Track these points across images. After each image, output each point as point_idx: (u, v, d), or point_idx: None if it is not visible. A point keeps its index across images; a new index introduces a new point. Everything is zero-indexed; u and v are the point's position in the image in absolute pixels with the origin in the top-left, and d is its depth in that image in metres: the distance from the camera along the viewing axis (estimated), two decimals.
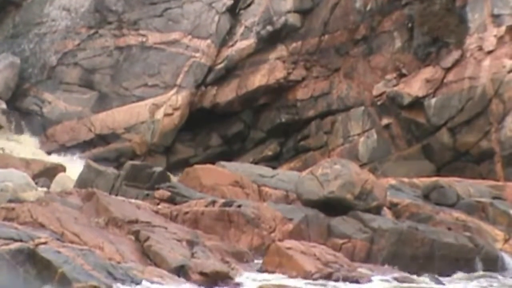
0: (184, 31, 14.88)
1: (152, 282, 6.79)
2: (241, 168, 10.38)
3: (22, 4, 15.63)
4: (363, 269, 8.11)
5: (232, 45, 14.78)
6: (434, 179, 11.18)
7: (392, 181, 10.77)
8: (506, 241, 9.39)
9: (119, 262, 6.93)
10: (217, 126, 14.93)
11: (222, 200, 9.00)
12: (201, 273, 7.29)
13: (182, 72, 14.74)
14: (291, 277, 7.58)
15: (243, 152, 14.74)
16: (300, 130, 14.59)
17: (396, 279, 8.06)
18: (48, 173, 11.42)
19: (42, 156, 13.56)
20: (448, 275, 8.46)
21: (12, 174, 9.14)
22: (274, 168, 11.89)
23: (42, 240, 6.65)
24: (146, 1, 15.14)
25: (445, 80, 13.63)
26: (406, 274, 8.26)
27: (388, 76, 14.19)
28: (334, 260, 7.92)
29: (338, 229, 8.63)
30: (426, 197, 10.23)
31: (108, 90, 14.89)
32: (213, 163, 10.77)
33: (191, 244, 7.83)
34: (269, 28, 14.74)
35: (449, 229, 9.25)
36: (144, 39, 14.98)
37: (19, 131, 14.53)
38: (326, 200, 8.95)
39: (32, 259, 6.38)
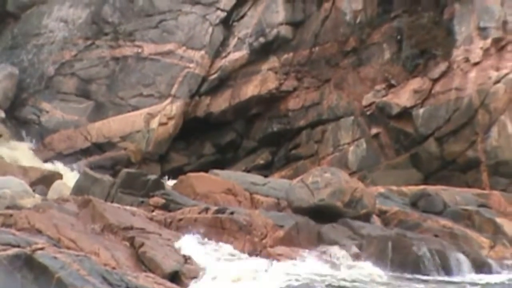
0: (179, 42, 14.97)
1: None
2: (233, 176, 10.45)
3: (20, 16, 15.71)
4: None
5: (226, 56, 14.89)
6: (421, 187, 11.27)
7: (381, 189, 10.84)
8: (491, 248, 9.47)
9: (114, 268, 6.94)
10: (210, 135, 15.01)
11: (215, 207, 9.04)
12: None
13: (177, 82, 14.86)
14: None
15: (235, 160, 14.81)
16: (291, 139, 14.69)
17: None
18: (45, 180, 11.49)
19: (39, 164, 13.69)
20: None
21: (10, 181, 9.24)
22: (265, 176, 11.96)
23: (39, 246, 6.71)
24: (142, 13, 15.23)
25: (432, 91, 13.75)
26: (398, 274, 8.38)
27: (377, 87, 14.33)
28: None
29: (328, 236, 8.68)
30: (414, 205, 10.33)
31: (104, 100, 14.98)
32: (206, 171, 10.83)
33: None
34: (262, 39, 14.89)
35: (436, 236, 9.30)
36: (139, 50, 15.06)
37: (17, 139, 14.65)
38: (316, 207, 9.05)
39: (29, 265, 6.45)
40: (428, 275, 8.53)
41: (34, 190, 9.84)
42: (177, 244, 7.79)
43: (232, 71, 14.90)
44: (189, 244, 7.87)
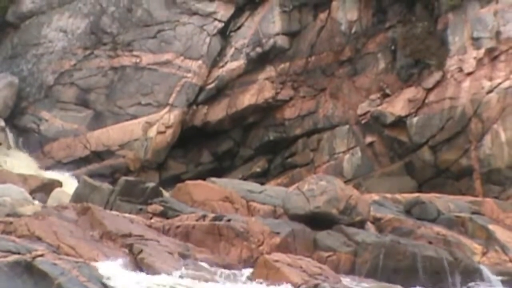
0: (176, 52, 15.06)
1: None
2: (230, 184, 10.51)
3: (20, 26, 15.80)
4: (348, 281, 8.34)
5: (223, 66, 14.99)
6: (415, 195, 11.36)
7: (376, 197, 10.91)
8: (484, 254, 9.61)
9: None
10: (208, 144, 15.09)
11: (213, 215, 9.16)
12: None
13: (174, 92, 14.97)
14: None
15: (232, 168, 14.88)
16: (287, 148, 14.79)
17: None
18: (45, 188, 11.58)
19: (39, 172, 13.79)
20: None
21: (10, 189, 9.30)
22: (262, 184, 12.00)
23: (39, 253, 6.79)
24: (140, 23, 15.32)
25: (426, 100, 13.89)
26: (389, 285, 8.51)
27: (372, 96, 14.47)
28: (319, 272, 8.02)
29: (323, 243, 8.80)
30: (408, 212, 10.38)
31: (103, 109, 15.08)
32: (204, 179, 10.91)
33: (182, 256, 8.04)
34: (258, 49, 14.99)
35: (430, 243, 9.37)
36: (137, 60, 15.16)
37: (17, 148, 14.76)
38: (312, 214, 9.14)
39: (29, 271, 6.53)
40: (421, 281, 8.66)
41: (34, 198, 9.92)
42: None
43: (229, 81, 15.01)
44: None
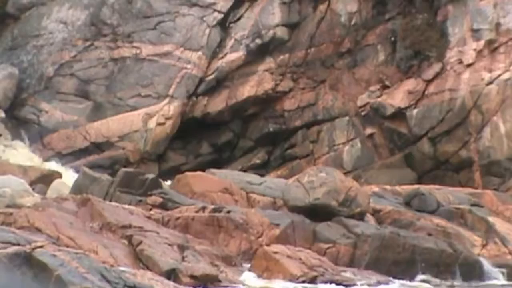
0: (176, 44, 15.07)
1: (144, 285, 7.02)
2: (230, 176, 10.53)
3: (20, 17, 15.78)
4: (347, 273, 8.36)
5: (222, 57, 15.00)
6: (415, 186, 11.37)
7: (375, 189, 10.92)
8: (483, 246, 9.62)
9: (112, 266, 7.04)
10: (207, 135, 15.11)
11: (212, 206, 9.15)
12: (191, 276, 7.51)
13: (174, 83, 14.99)
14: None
15: (232, 160, 14.92)
16: (287, 139, 14.83)
17: (379, 282, 8.32)
18: (45, 179, 11.55)
19: (39, 163, 13.81)
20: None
21: (10, 180, 9.28)
22: (262, 175, 12.07)
23: (39, 244, 6.77)
24: (140, 15, 15.33)
25: (426, 92, 13.94)
26: (389, 278, 8.51)
27: (372, 88, 14.50)
28: (319, 264, 8.08)
29: (323, 235, 8.79)
30: (407, 204, 10.38)
31: (103, 100, 15.09)
32: (203, 170, 10.93)
33: (182, 248, 8.04)
34: (258, 41, 15.00)
35: (430, 234, 9.37)
36: (137, 51, 15.16)
37: (17, 139, 14.78)
38: (311, 206, 9.14)
39: (29, 262, 6.52)
40: (420, 274, 8.69)
41: (33, 189, 9.91)
42: None
43: (228, 72, 15.02)
44: None
